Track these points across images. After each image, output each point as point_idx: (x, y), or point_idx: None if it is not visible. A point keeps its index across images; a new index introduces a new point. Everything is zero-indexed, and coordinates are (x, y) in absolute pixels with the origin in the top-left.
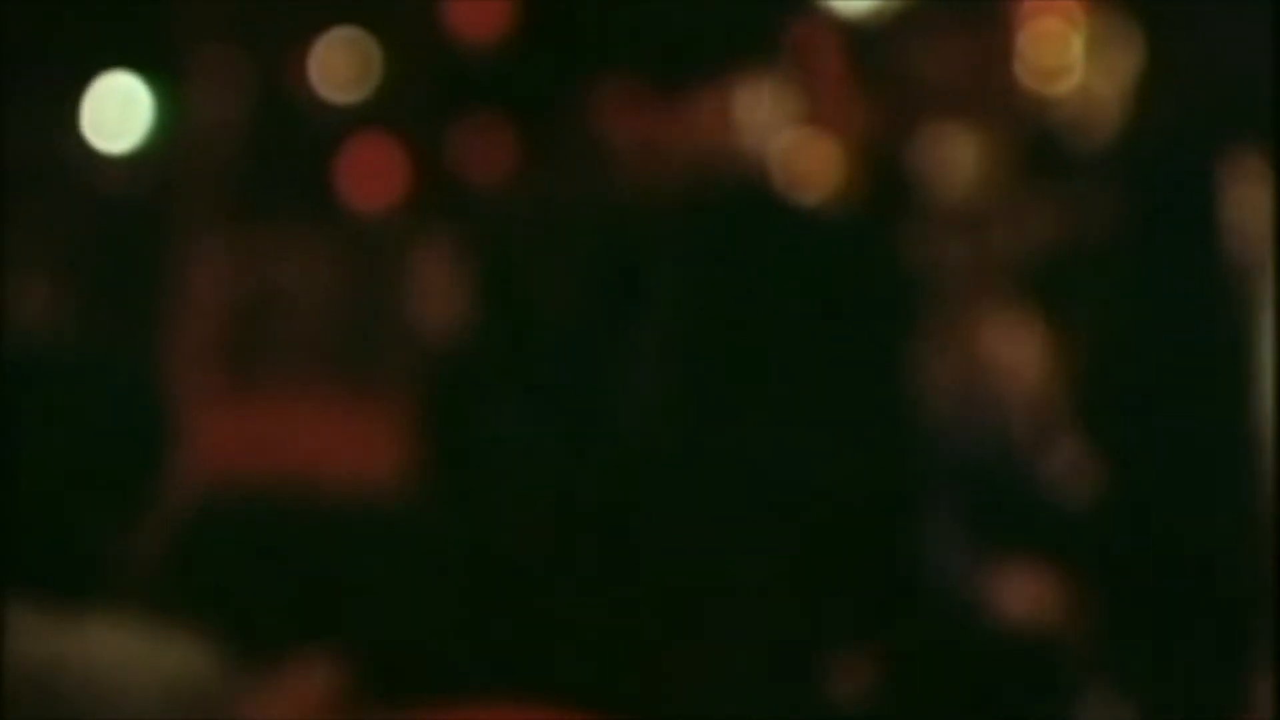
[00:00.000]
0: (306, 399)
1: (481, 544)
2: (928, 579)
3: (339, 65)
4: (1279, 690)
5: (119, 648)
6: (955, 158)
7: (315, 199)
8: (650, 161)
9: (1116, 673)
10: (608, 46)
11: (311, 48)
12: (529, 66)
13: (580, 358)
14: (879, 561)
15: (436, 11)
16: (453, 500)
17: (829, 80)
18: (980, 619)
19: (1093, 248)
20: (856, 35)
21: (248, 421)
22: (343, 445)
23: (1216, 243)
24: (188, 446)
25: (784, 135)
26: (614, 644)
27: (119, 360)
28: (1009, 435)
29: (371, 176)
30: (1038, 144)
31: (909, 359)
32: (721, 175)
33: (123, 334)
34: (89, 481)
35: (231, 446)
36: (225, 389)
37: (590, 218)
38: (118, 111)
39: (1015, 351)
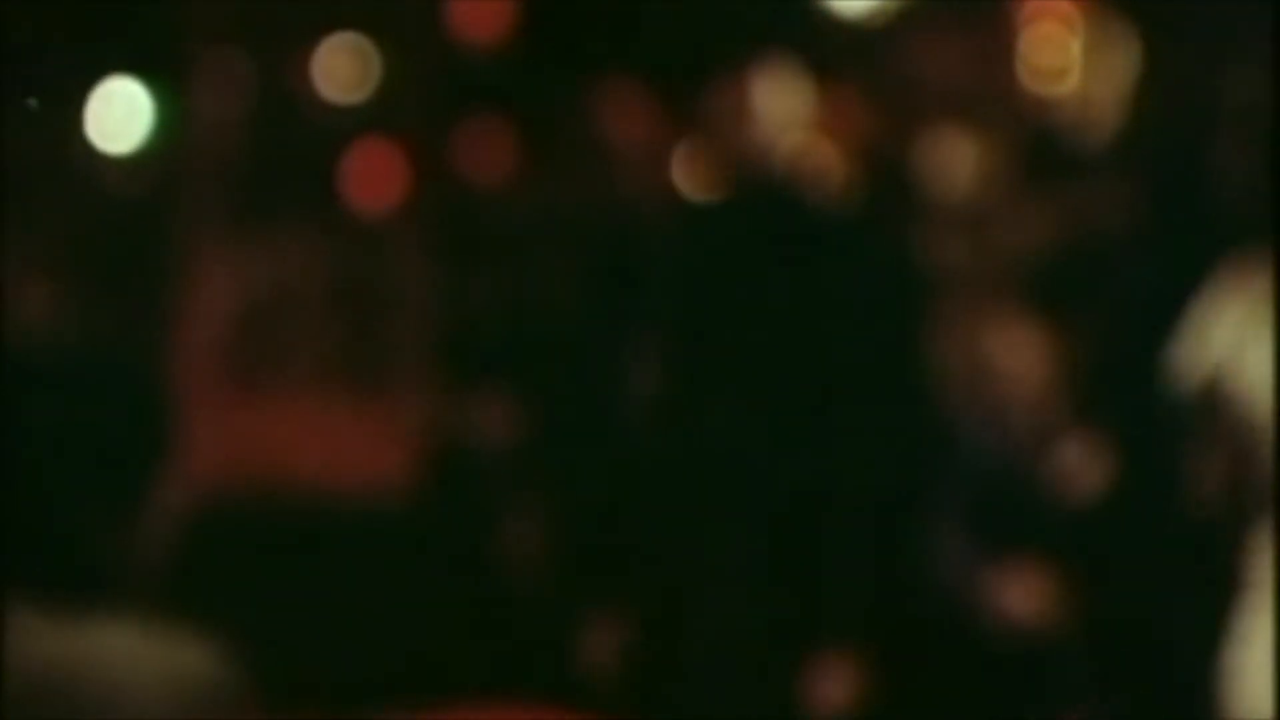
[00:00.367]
0: (308, 401)
1: (477, 546)
2: (928, 578)
3: (341, 68)
4: (1279, 690)
5: (121, 648)
6: (956, 159)
7: (317, 202)
8: (650, 162)
9: (1115, 673)
10: (608, 50)
11: (314, 51)
12: (530, 70)
13: (580, 358)
14: (880, 561)
15: (438, 15)
16: (451, 501)
17: (831, 82)
18: (980, 619)
19: (1092, 248)
20: (857, 36)
21: (249, 423)
22: (344, 447)
23: (1215, 242)
24: (190, 447)
25: (786, 136)
26: (614, 644)
27: (121, 362)
28: (1010, 435)
29: (373, 179)
30: (1038, 145)
31: (909, 359)
32: (728, 176)
33: (125, 335)
34: (91, 482)
35: (233, 447)
36: (227, 391)
37: (591, 219)
38: (121, 114)
39: (1015, 350)
